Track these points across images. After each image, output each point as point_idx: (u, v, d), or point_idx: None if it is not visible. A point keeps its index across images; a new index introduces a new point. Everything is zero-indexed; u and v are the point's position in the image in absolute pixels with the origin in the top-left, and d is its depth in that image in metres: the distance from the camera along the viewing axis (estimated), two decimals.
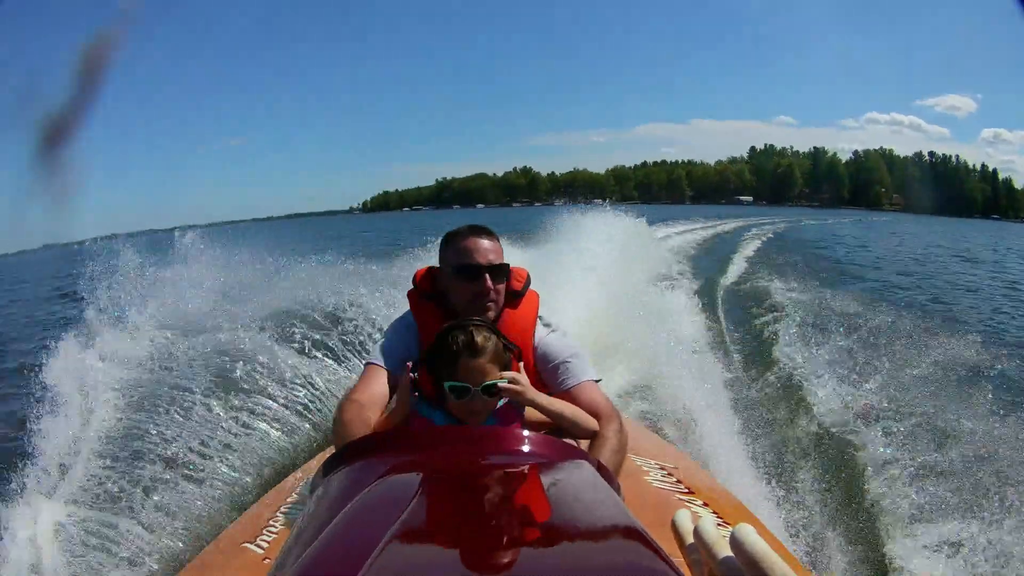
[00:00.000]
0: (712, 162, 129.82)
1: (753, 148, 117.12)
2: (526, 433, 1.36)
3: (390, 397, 1.76)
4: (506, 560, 0.85)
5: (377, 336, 5.03)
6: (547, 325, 1.90)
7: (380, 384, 1.74)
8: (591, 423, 1.68)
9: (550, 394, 1.73)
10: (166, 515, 2.92)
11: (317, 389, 4.41)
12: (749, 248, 16.79)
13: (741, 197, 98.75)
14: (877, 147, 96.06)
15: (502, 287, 1.81)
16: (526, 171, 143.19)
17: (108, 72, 1.03)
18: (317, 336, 5.08)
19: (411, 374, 1.59)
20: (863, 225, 39.77)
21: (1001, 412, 3.56)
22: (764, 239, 20.42)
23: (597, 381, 1.86)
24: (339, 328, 5.28)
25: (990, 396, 3.84)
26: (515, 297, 1.87)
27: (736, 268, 11.68)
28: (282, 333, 4.99)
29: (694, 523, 0.72)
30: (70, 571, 2.51)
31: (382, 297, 5.80)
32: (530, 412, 1.69)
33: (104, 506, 2.89)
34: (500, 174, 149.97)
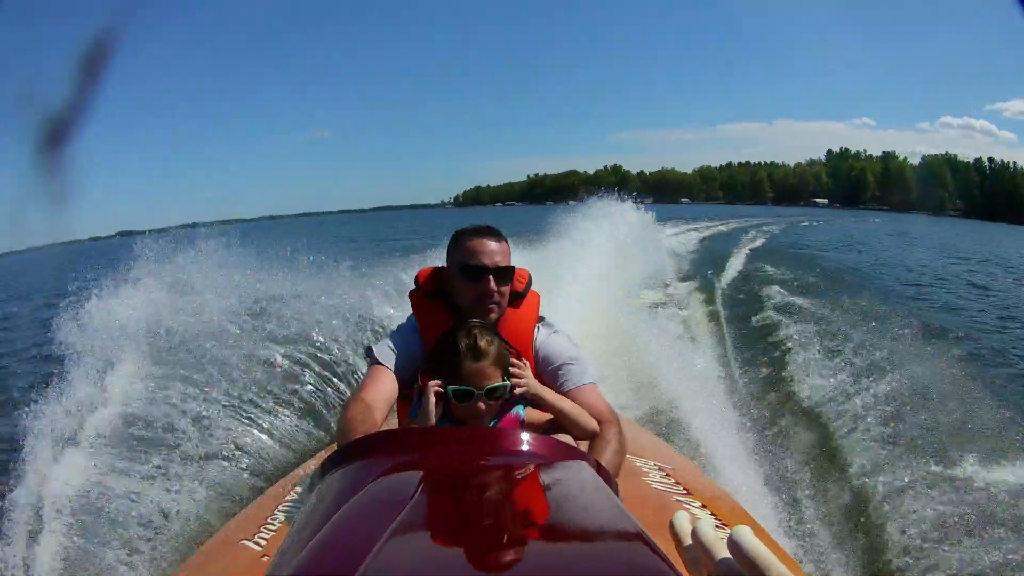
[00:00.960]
0: (793, 163, 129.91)
1: (830, 151, 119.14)
2: (526, 434, 1.32)
3: (399, 396, 1.73)
4: (505, 559, 0.84)
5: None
6: (548, 326, 1.87)
7: (386, 384, 1.73)
8: (592, 424, 1.67)
9: None
10: (166, 511, 2.91)
11: (319, 387, 4.46)
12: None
13: (817, 200, 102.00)
14: (944, 152, 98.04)
15: (507, 290, 1.80)
16: (616, 169, 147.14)
17: (108, 71, 1.01)
18: (324, 333, 5.17)
19: (437, 387, 1.52)
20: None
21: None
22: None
23: (596, 384, 1.82)
24: (346, 326, 5.38)
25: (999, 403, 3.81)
26: (517, 298, 1.84)
27: (739, 263, 11.69)
28: (290, 329, 5.09)
29: (692, 524, 0.70)
30: (67, 568, 2.51)
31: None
32: (529, 415, 1.64)
33: (103, 502, 2.85)
34: (591, 171, 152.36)
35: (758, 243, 17.46)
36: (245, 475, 3.47)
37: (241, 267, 6.41)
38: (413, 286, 1.92)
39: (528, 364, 1.71)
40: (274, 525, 1.73)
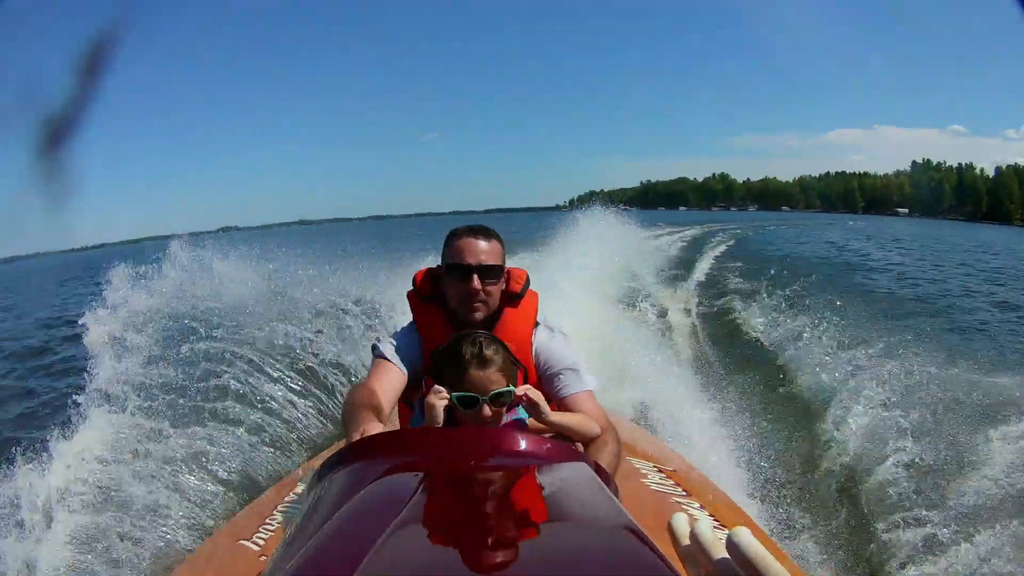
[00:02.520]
0: (884, 172, 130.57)
1: (914, 162, 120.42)
2: (524, 434, 1.32)
3: (401, 398, 1.74)
4: (503, 560, 0.84)
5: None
6: (547, 328, 1.85)
7: (390, 376, 1.73)
8: (594, 428, 1.65)
9: (547, 399, 1.65)
10: (165, 511, 2.93)
11: (319, 387, 4.52)
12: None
13: (899, 209, 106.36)
14: (1014, 163, 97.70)
15: (494, 289, 1.77)
16: (723, 177, 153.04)
17: (109, 71, 1.01)
18: (326, 334, 5.20)
19: (444, 396, 1.50)
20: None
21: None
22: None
23: (594, 390, 1.79)
24: (347, 327, 5.44)
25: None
26: (515, 298, 1.83)
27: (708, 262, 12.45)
28: (293, 330, 5.06)
29: (690, 525, 0.71)
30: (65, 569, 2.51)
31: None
32: (532, 423, 1.63)
33: (103, 502, 2.87)
34: (700, 179, 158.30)
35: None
36: (244, 475, 3.48)
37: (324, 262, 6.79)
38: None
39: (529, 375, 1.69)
40: (272, 525, 1.75)
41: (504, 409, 1.54)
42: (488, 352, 1.51)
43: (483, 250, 1.78)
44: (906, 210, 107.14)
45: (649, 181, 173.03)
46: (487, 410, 1.50)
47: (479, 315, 1.79)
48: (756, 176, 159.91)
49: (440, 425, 1.48)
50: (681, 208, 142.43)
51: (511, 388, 1.52)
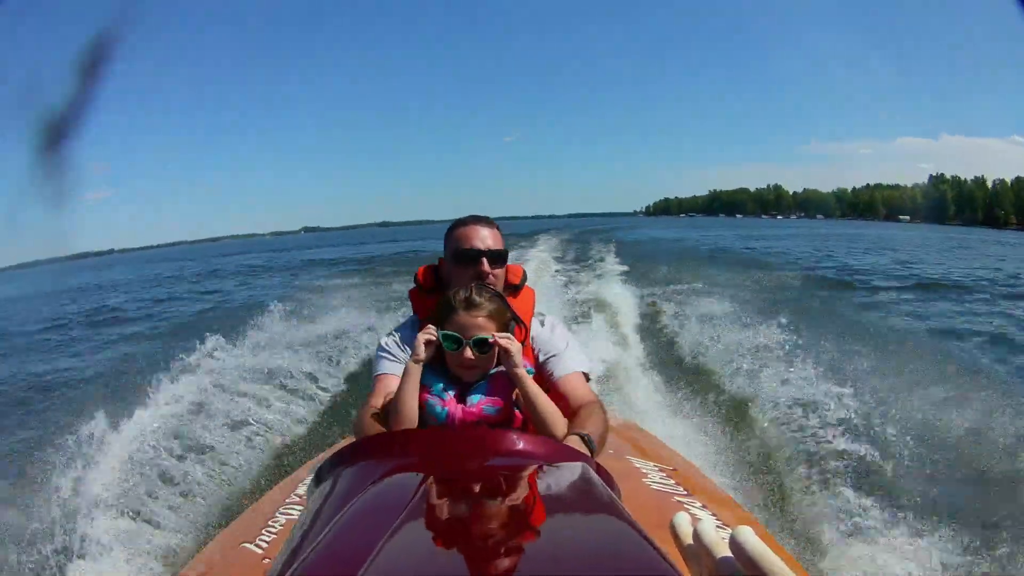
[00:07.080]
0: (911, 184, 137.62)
1: (931, 176, 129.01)
2: (525, 436, 1.29)
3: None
4: (505, 562, 0.82)
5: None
6: (545, 319, 1.87)
7: (391, 391, 1.64)
8: (561, 425, 1.53)
9: (541, 383, 1.62)
10: (166, 514, 2.93)
11: (319, 389, 4.49)
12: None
13: (900, 216, 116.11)
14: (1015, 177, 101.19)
15: (500, 272, 1.76)
16: (776, 187, 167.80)
17: (108, 71, 0.99)
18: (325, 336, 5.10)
19: (431, 333, 1.51)
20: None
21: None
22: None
23: (587, 374, 1.77)
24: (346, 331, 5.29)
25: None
26: (514, 289, 1.82)
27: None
28: (293, 332, 5.04)
29: (693, 525, 0.67)
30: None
31: None
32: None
33: (105, 506, 2.80)
34: (755, 188, 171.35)
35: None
36: (245, 477, 3.48)
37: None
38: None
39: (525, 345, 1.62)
40: (275, 528, 1.73)
41: (489, 357, 1.49)
42: (479, 298, 1.48)
43: (488, 236, 1.80)
44: (907, 217, 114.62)
45: (715, 190, 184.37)
46: (468, 352, 1.45)
47: None
48: (826, 181, 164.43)
49: (422, 359, 1.46)
50: (738, 216, 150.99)
51: (490, 336, 1.45)
